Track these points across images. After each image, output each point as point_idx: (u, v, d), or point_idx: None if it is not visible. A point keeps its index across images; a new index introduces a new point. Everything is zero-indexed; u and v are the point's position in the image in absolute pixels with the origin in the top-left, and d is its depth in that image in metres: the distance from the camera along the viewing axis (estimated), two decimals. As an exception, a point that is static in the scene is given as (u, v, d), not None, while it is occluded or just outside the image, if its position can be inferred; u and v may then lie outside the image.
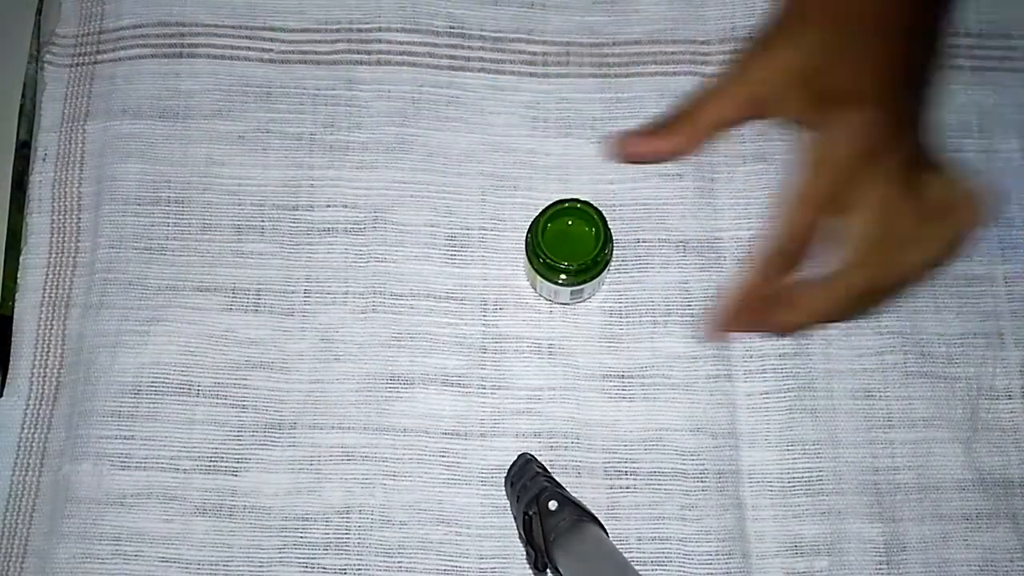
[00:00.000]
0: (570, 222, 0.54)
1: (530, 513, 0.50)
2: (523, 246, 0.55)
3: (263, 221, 0.59)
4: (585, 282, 0.55)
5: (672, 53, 0.63)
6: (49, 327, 0.58)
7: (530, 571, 0.52)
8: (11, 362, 0.58)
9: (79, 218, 0.60)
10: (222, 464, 0.55)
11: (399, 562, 0.54)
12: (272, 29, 0.63)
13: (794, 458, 0.56)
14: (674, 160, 0.53)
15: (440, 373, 0.57)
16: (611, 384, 0.57)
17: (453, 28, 0.63)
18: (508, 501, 0.54)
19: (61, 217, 0.60)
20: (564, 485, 0.52)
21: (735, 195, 0.60)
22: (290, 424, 0.56)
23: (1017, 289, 0.59)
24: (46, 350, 0.58)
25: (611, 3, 0.64)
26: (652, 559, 0.54)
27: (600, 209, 0.54)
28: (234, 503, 0.55)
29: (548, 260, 0.53)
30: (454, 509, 0.55)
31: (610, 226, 0.53)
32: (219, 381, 0.57)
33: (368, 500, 0.55)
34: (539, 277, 0.55)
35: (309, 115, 0.61)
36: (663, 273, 0.59)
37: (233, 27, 0.62)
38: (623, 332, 0.58)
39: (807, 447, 0.56)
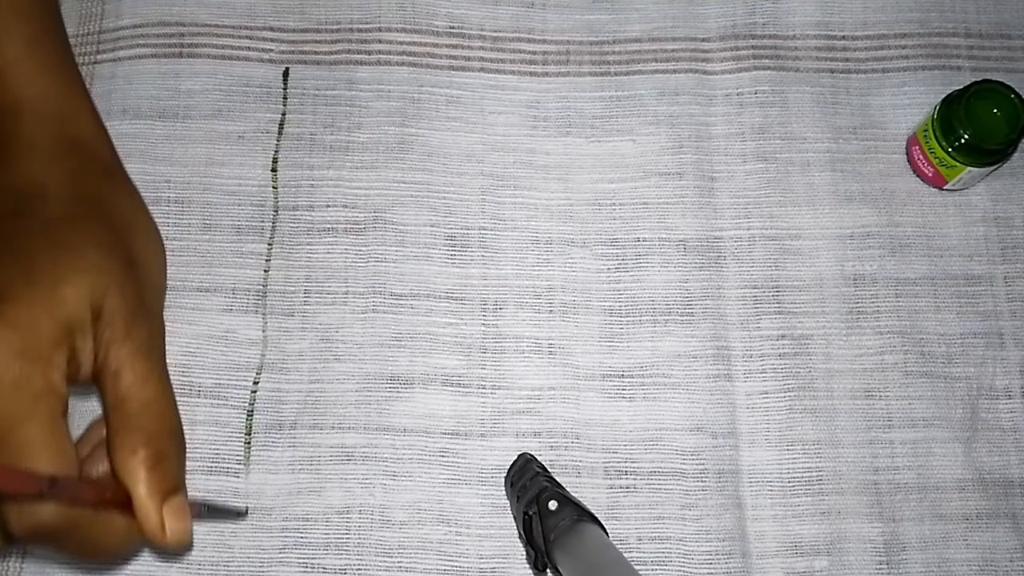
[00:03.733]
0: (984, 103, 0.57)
1: (530, 513, 0.50)
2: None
3: (263, 221, 0.59)
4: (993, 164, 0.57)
5: (672, 51, 0.63)
6: (49, 327, 0.58)
7: (530, 571, 0.53)
8: (12, 362, 0.58)
9: (79, 218, 0.60)
10: (223, 464, 0.56)
11: (399, 562, 0.54)
12: (272, 29, 0.63)
13: (794, 458, 0.56)
14: None
15: (440, 373, 0.57)
16: (611, 384, 0.57)
17: (453, 28, 0.63)
18: (508, 501, 0.54)
19: (61, 217, 0.60)
20: (564, 485, 0.52)
21: (735, 195, 0.60)
22: (290, 424, 0.56)
23: (1017, 289, 0.59)
24: (47, 350, 0.58)
25: (611, 1, 0.63)
26: (652, 559, 0.54)
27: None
28: (234, 503, 0.55)
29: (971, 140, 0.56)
30: (454, 509, 0.55)
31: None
32: (220, 382, 0.57)
33: (368, 500, 0.55)
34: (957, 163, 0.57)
35: (309, 115, 0.61)
36: (663, 273, 0.59)
37: (233, 27, 0.62)
38: (623, 332, 0.58)
39: (807, 447, 0.56)
